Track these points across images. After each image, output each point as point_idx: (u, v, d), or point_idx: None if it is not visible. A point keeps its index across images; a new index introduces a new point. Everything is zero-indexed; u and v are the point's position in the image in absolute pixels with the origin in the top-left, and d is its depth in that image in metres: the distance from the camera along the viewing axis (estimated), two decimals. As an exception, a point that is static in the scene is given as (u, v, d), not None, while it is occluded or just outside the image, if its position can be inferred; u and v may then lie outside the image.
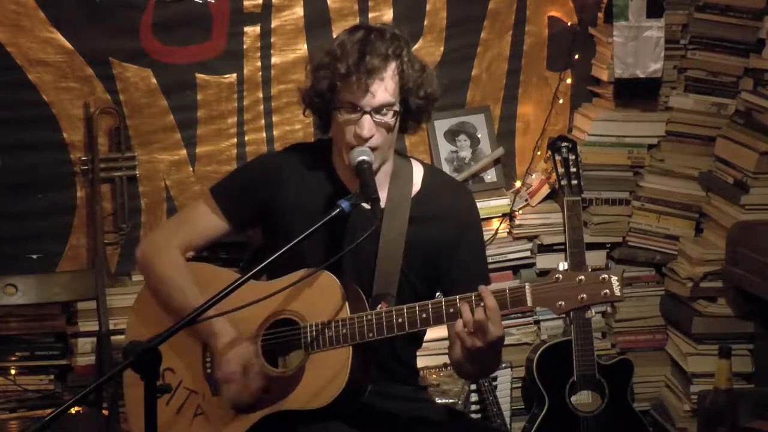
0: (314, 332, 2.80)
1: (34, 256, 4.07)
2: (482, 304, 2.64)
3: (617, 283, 2.61)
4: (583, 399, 4.13)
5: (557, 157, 4.18)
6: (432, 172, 3.07)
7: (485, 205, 4.28)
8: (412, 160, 3.04)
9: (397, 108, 2.83)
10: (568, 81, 4.48)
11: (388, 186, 2.94)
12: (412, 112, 2.88)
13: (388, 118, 2.82)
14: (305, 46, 4.19)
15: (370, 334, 2.74)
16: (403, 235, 2.90)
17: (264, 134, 4.22)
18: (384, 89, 2.79)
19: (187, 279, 2.96)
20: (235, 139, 4.21)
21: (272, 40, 4.17)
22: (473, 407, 4.16)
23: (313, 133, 4.17)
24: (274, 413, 2.82)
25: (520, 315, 4.31)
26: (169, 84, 4.10)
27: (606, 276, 2.62)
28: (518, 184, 4.45)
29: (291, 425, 2.79)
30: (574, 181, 4.14)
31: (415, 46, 4.12)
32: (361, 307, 2.80)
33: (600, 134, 4.43)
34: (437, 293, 3.00)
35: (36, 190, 4.07)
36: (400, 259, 2.89)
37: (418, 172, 3.00)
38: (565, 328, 4.32)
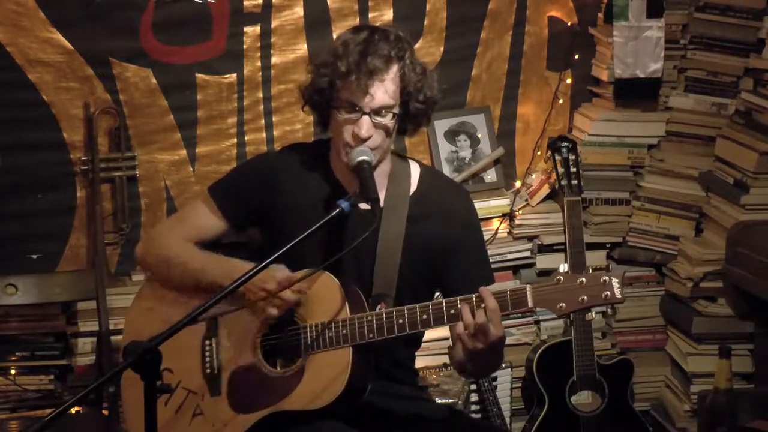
0: (314, 333, 2.80)
1: (34, 256, 4.07)
2: (483, 305, 2.64)
3: (618, 285, 2.62)
4: (583, 399, 4.13)
5: (557, 157, 4.18)
6: (429, 172, 3.07)
7: (485, 205, 4.28)
8: (409, 160, 3.04)
9: (396, 110, 2.83)
10: (568, 81, 4.48)
11: (386, 186, 2.94)
12: (411, 115, 2.88)
13: (387, 120, 2.82)
14: (305, 46, 4.18)
15: (371, 335, 2.74)
16: (402, 235, 2.90)
17: (264, 134, 4.22)
18: (384, 91, 2.79)
19: (194, 251, 2.95)
20: (235, 139, 4.20)
21: (272, 40, 4.17)
22: (473, 407, 4.16)
23: (313, 133, 4.17)
24: (274, 413, 2.82)
25: (520, 315, 4.30)
26: (169, 84, 4.10)
27: (607, 278, 2.62)
28: (518, 184, 4.45)
29: (290, 425, 2.79)
30: (574, 181, 4.15)
31: (415, 46, 4.06)
32: (360, 307, 2.80)
33: (600, 134, 4.43)
34: (436, 293, 3.00)
35: (36, 190, 4.06)
36: (399, 259, 2.89)
37: (415, 172, 3.00)
38: (565, 328, 4.32)
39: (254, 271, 2.60)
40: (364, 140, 2.80)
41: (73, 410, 3.57)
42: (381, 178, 2.93)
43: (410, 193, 2.96)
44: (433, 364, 4.07)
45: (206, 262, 2.93)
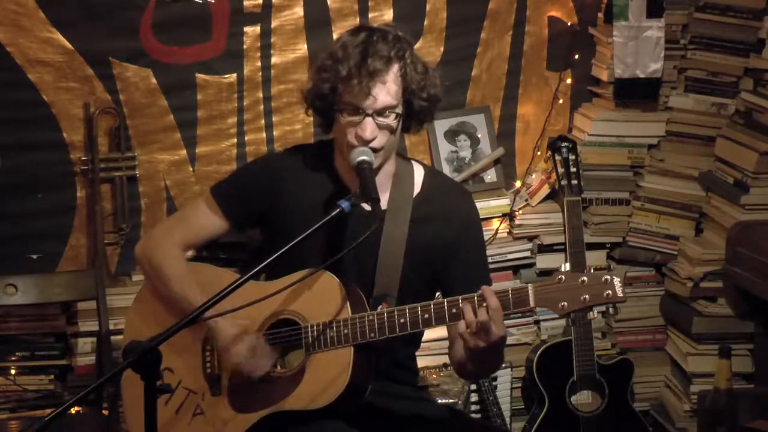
0: (315, 332, 2.80)
1: (34, 256, 4.08)
2: (485, 304, 2.64)
3: (619, 284, 2.61)
4: (583, 399, 4.13)
5: (557, 157, 4.18)
6: (432, 173, 3.06)
7: (485, 205, 4.28)
8: (412, 161, 3.04)
9: (399, 110, 2.83)
10: (568, 81, 4.48)
11: (390, 187, 2.94)
12: (415, 114, 2.88)
13: (391, 120, 2.82)
14: (305, 46, 4.19)
15: (372, 335, 2.74)
16: (405, 236, 2.90)
17: (264, 134, 4.22)
18: (386, 92, 2.78)
19: (186, 272, 2.96)
20: (235, 139, 4.21)
21: (272, 40, 4.17)
22: (473, 407, 4.16)
23: (313, 133, 4.18)
24: (274, 413, 2.82)
25: (520, 315, 4.30)
26: (169, 84, 4.10)
27: (608, 277, 2.62)
28: (518, 184, 4.45)
29: (290, 425, 2.79)
30: (574, 181, 4.15)
31: (415, 46, 4.03)
32: (361, 307, 2.80)
33: (600, 134, 4.43)
34: (437, 293, 3.00)
35: (36, 190, 4.07)
36: (402, 260, 2.89)
37: (418, 174, 3.00)
38: (565, 328, 4.32)
39: (251, 274, 2.59)
40: (369, 142, 2.80)
41: (73, 410, 3.57)
42: (385, 179, 2.92)
43: (414, 195, 2.95)
44: (433, 364, 4.07)
45: (186, 291, 2.93)
